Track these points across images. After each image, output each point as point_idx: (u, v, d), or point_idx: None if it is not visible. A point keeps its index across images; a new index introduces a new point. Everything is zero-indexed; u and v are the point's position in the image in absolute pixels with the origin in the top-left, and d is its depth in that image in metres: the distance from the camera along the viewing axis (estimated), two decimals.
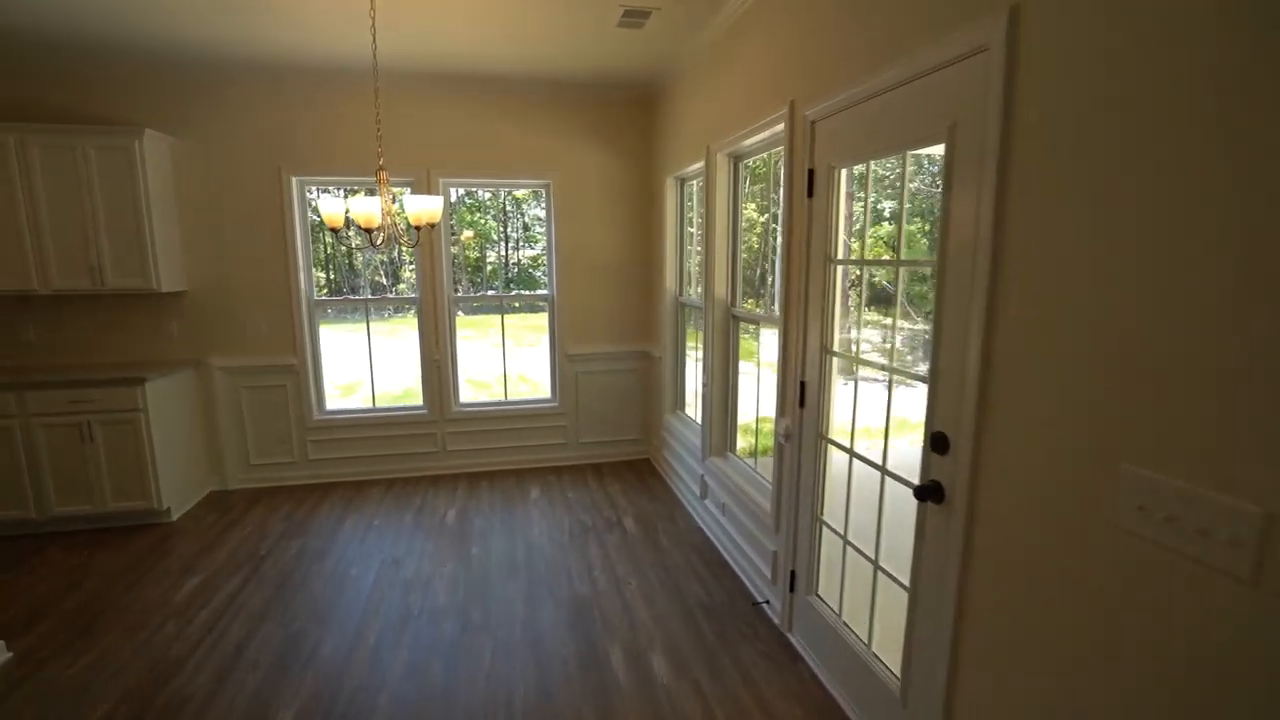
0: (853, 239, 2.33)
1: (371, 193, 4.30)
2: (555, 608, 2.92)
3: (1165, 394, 1.10)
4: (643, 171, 4.70)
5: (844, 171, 2.23)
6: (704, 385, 3.65)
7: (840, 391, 2.39)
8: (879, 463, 2.04)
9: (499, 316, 5.16)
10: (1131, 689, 1.18)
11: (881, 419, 2.06)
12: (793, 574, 2.63)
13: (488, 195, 8.12)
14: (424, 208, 2.84)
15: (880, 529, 2.06)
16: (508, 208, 8.64)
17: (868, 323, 2.50)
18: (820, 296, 2.32)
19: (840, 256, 2.27)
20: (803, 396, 2.48)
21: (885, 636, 2.12)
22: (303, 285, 4.34)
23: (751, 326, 3.51)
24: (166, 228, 3.97)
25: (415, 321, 4.60)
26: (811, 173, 2.33)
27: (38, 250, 3.71)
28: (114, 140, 3.70)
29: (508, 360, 5.10)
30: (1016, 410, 1.43)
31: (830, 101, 2.17)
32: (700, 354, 3.96)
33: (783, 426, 2.63)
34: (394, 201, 2.94)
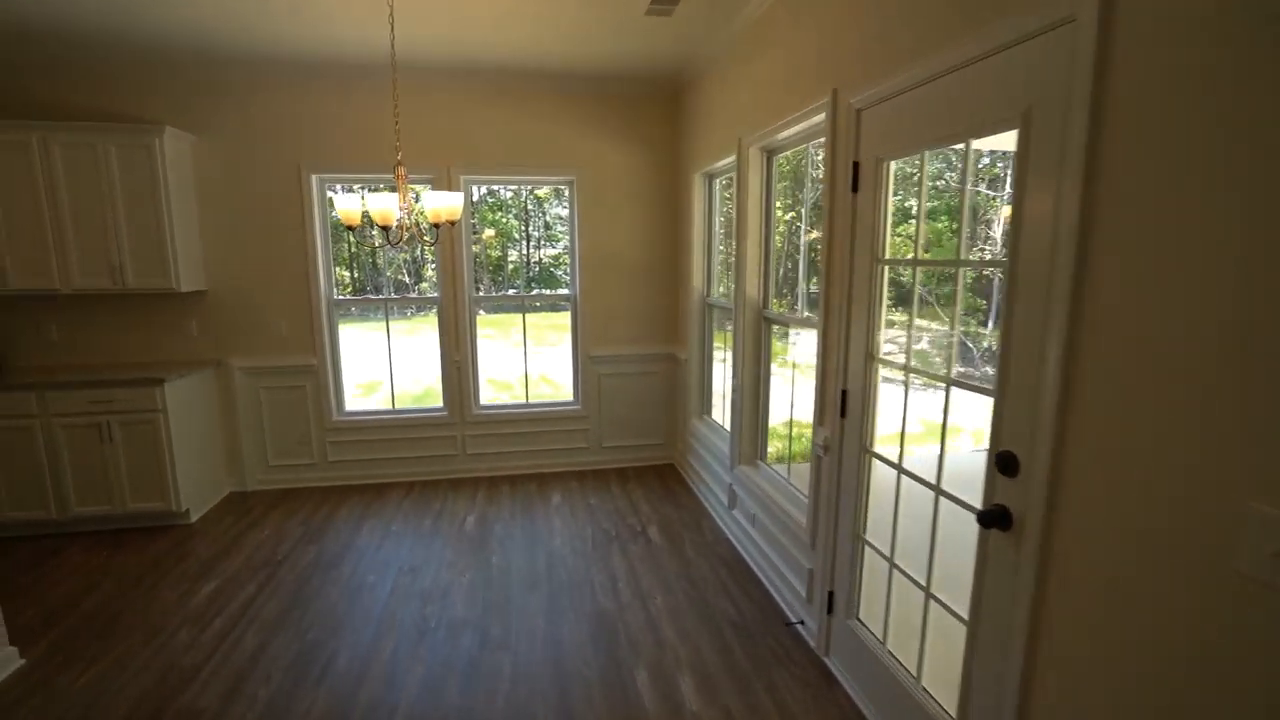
0: (895, 237, 2.16)
1: (392, 190, 4.22)
2: (577, 622, 2.79)
3: None
4: (668, 168, 4.54)
5: (891, 165, 2.06)
6: (733, 390, 3.49)
7: (885, 400, 2.22)
8: (933, 481, 1.87)
9: (520, 316, 5.05)
10: None
11: (925, 426, 1.89)
12: (830, 595, 2.46)
13: (509, 194, 8.03)
14: (443, 203, 2.73)
15: (933, 553, 1.89)
16: (529, 206, 8.54)
17: (916, 327, 2.33)
18: (865, 299, 2.16)
19: (887, 256, 2.10)
20: (844, 406, 2.31)
21: (937, 668, 1.95)
22: (322, 285, 4.27)
23: (778, 327, 3.34)
24: (187, 227, 3.93)
25: (436, 320, 4.51)
26: (856, 166, 2.16)
27: (60, 249, 3.68)
28: (135, 138, 3.65)
29: (529, 360, 4.99)
30: (1107, 431, 1.26)
31: (878, 88, 2.00)
32: (727, 357, 3.81)
33: (821, 437, 2.47)
34: (417, 201, 2.83)
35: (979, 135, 1.64)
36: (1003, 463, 1.53)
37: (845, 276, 2.25)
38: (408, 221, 2.78)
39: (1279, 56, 0.95)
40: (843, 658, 2.40)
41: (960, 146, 1.77)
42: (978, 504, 1.64)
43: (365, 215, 2.78)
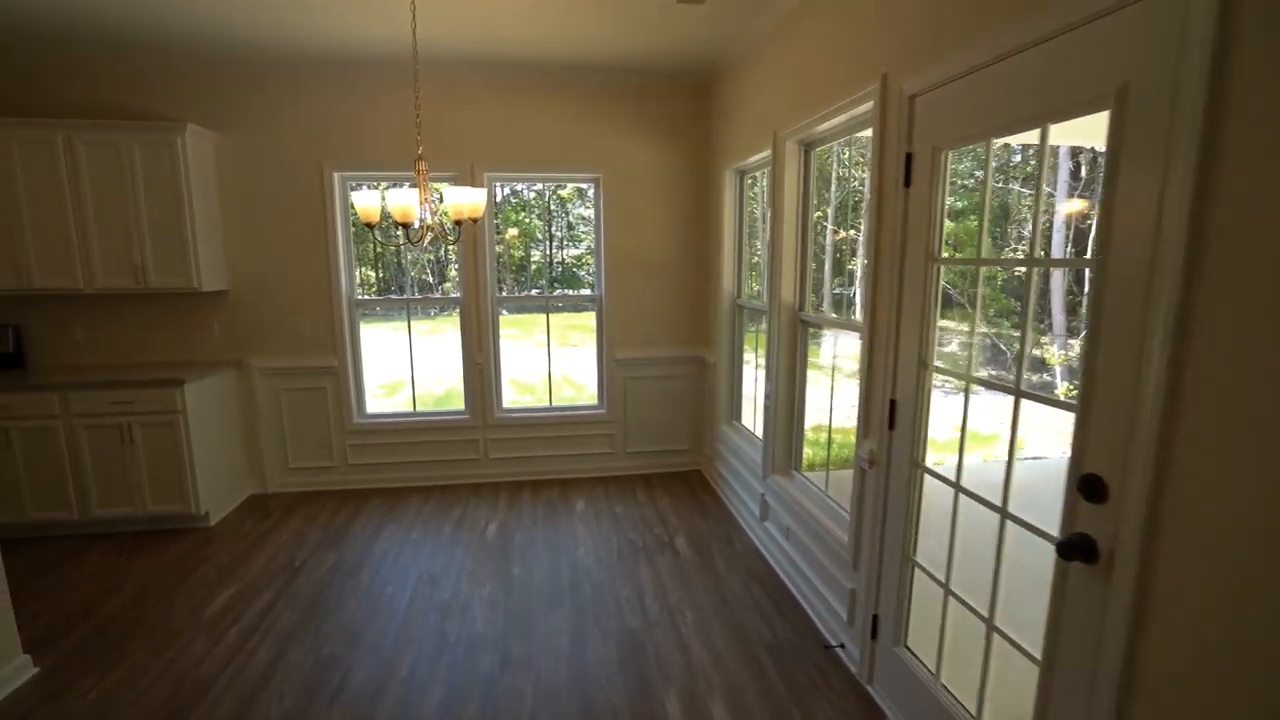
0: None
1: (413, 187, 4.13)
2: (603, 641, 2.65)
3: None
4: (698, 165, 4.39)
5: (949, 155, 1.89)
6: (766, 396, 3.33)
7: (939, 411, 2.05)
8: (996, 502, 1.69)
9: (544, 316, 4.94)
10: None
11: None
12: (875, 619, 2.29)
13: (533, 194, 7.94)
14: (465, 199, 2.61)
15: (997, 582, 1.72)
16: (552, 206, 8.45)
17: (973, 332, 2.15)
18: (918, 301, 1.99)
19: (942, 255, 1.93)
20: (892, 417, 2.14)
21: (1000, 706, 1.78)
22: (344, 284, 4.20)
23: (813, 329, 3.17)
24: (208, 225, 3.88)
25: (459, 320, 4.41)
26: (910, 157, 1.99)
27: (83, 248, 3.65)
28: (157, 136, 3.61)
29: (552, 361, 4.88)
30: (1221, 456, 1.08)
31: (935, 72, 1.83)
32: (759, 360, 3.65)
33: (866, 450, 2.30)
34: (440, 200, 2.72)
35: (1060, 119, 1.46)
36: (1087, 487, 1.35)
37: (895, 276, 2.08)
38: (430, 219, 2.68)
39: None
40: (888, 687, 2.23)
41: (1031, 135, 1.60)
42: (1045, 524, 1.47)
43: (385, 213, 2.68)
